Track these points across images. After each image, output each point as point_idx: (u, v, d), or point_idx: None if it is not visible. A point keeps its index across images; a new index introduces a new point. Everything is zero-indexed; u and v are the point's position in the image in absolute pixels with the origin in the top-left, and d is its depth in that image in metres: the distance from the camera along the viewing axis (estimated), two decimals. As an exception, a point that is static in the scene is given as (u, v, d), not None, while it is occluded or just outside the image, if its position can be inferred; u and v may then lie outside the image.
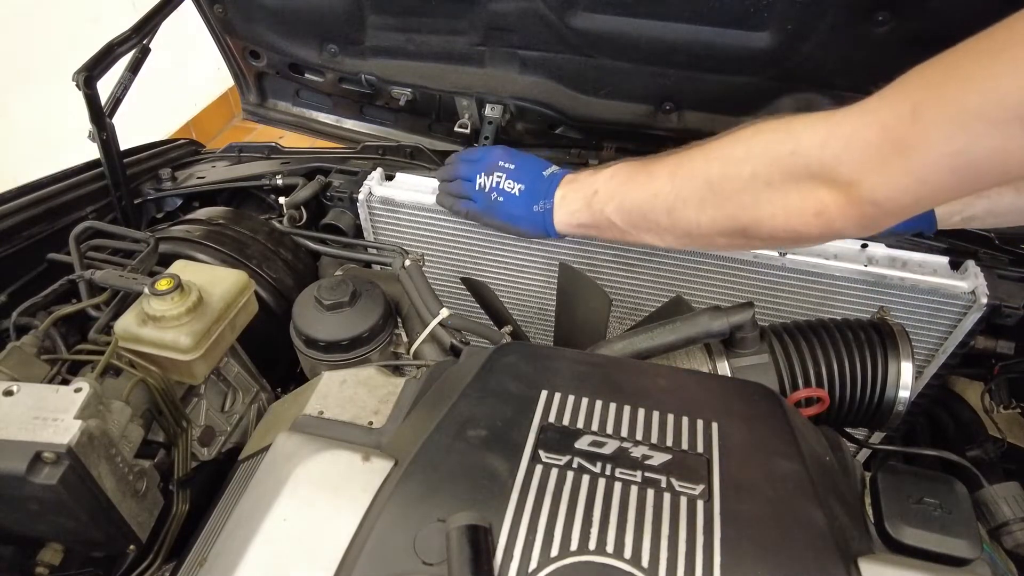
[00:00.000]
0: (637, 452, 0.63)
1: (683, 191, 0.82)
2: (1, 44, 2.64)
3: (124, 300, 0.97)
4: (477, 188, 1.06)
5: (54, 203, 1.21)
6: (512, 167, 1.04)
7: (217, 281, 0.94)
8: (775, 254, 1.12)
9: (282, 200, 1.30)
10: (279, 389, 1.16)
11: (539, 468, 0.61)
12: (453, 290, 1.37)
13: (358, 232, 1.33)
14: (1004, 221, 1.02)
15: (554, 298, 1.10)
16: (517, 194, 1.02)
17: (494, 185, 1.04)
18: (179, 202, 1.42)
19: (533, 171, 1.03)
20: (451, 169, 1.13)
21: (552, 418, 0.66)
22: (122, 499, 0.75)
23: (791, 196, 0.72)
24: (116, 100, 1.23)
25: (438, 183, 1.17)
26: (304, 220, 1.32)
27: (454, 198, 1.12)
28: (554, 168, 1.04)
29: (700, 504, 0.59)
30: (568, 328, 1.06)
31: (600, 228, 0.96)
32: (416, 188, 1.25)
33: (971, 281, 1.06)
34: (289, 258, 1.24)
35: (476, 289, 1.09)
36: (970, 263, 1.08)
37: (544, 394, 0.68)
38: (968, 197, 1.00)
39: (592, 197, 0.94)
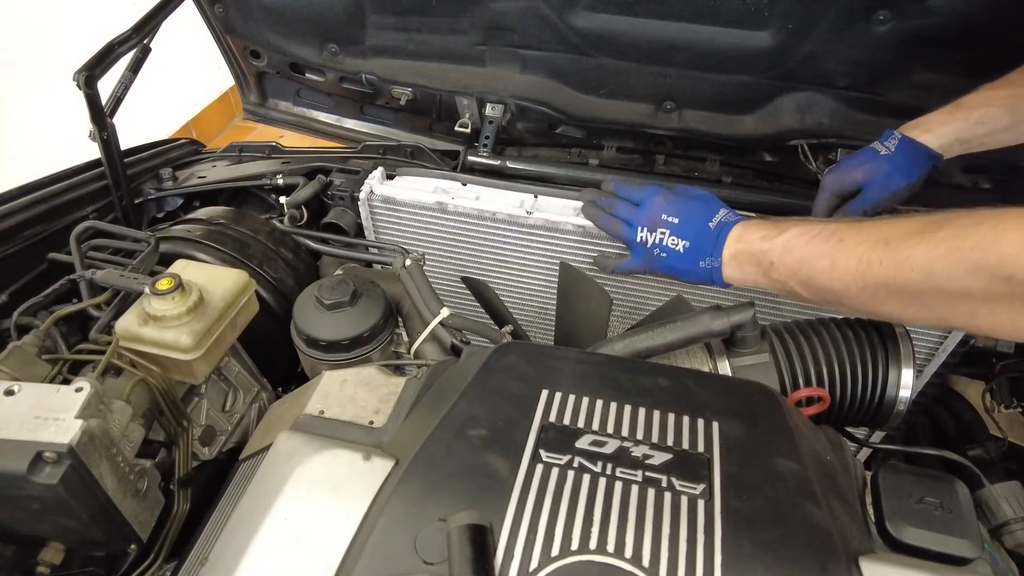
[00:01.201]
0: (638, 451, 0.63)
1: (880, 293, 0.76)
2: (1, 44, 2.64)
3: (125, 300, 0.97)
4: (638, 240, 0.99)
5: (55, 203, 1.21)
6: (676, 222, 0.97)
7: (218, 281, 0.94)
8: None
9: (283, 200, 1.30)
10: (280, 389, 1.16)
11: (540, 467, 0.61)
12: (454, 289, 1.37)
13: (359, 231, 1.33)
14: (1000, 141, 1.00)
15: (555, 297, 1.10)
16: (681, 251, 0.96)
17: (657, 241, 0.98)
18: (180, 202, 1.42)
19: (698, 224, 0.95)
20: (610, 204, 1.06)
21: (553, 417, 0.66)
22: (123, 498, 0.76)
23: (1000, 314, 0.66)
24: (117, 100, 1.23)
25: (586, 207, 1.09)
26: (305, 220, 1.32)
27: (609, 260, 1.07)
28: (720, 216, 0.95)
29: (701, 503, 0.59)
30: (569, 327, 1.06)
31: (782, 293, 0.90)
32: (417, 187, 1.25)
33: (972, 280, 1.06)
34: (290, 258, 1.24)
35: (477, 289, 1.09)
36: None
37: (545, 393, 0.68)
38: (967, 123, 0.99)
39: (769, 267, 0.87)
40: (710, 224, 0.94)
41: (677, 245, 0.96)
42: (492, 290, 1.07)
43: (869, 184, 1.01)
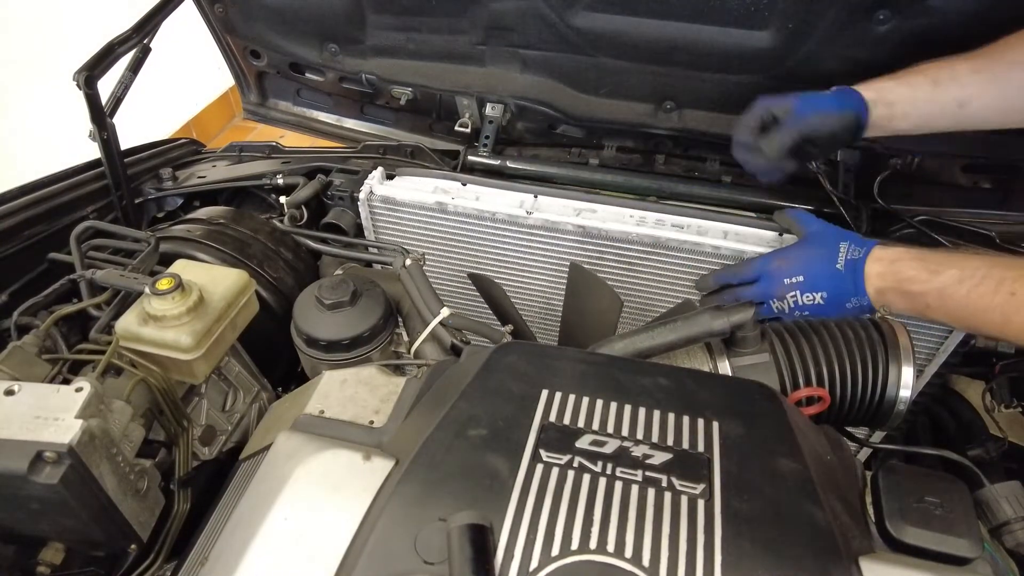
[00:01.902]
0: (638, 451, 0.63)
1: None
2: (1, 44, 2.64)
3: (125, 300, 0.97)
4: (776, 311, 0.97)
5: (55, 203, 1.21)
6: (802, 279, 0.93)
7: (218, 280, 0.94)
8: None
9: (283, 199, 1.30)
10: (280, 388, 1.16)
11: (540, 467, 0.61)
12: (454, 289, 1.37)
13: (359, 231, 1.33)
14: (925, 120, 1.01)
15: (557, 296, 1.10)
16: (822, 302, 0.92)
17: (793, 305, 0.94)
18: (180, 201, 1.42)
19: (826, 271, 0.92)
20: (733, 298, 1.00)
21: (553, 417, 0.66)
22: (123, 498, 0.76)
23: None
24: (117, 100, 1.23)
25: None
26: (305, 219, 1.32)
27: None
28: (843, 253, 0.92)
29: (701, 503, 0.59)
30: (576, 328, 1.06)
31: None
32: (417, 187, 1.25)
33: (972, 280, 1.06)
34: (290, 257, 1.24)
35: (483, 285, 1.09)
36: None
37: (545, 393, 0.68)
38: (892, 81, 1.01)
39: (924, 309, 0.86)
40: (838, 267, 0.91)
41: (815, 299, 0.93)
42: (499, 287, 1.06)
43: (797, 112, 1.01)
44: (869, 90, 0.99)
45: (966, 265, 0.82)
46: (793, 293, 0.94)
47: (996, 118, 0.99)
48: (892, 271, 0.88)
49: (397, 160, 1.43)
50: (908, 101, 0.99)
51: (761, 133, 1.04)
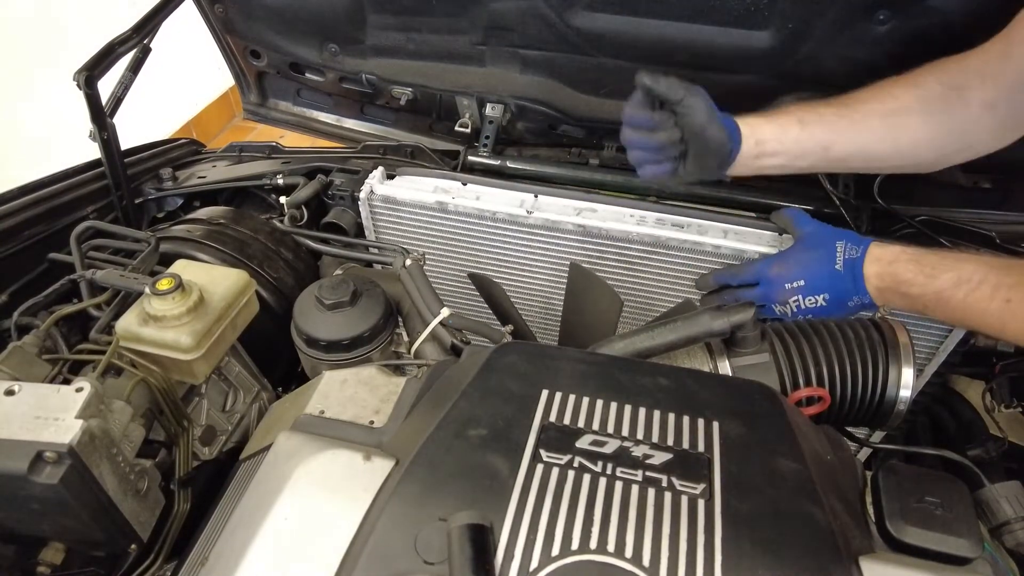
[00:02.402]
0: (638, 451, 0.63)
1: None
2: (2, 44, 2.64)
3: (125, 300, 0.97)
4: (779, 314, 0.97)
5: (55, 203, 1.21)
6: (803, 283, 0.94)
7: (218, 281, 0.94)
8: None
9: (283, 199, 1.30)
10: (280, 388, 1.16)
11: (540, 467, 0.61)
12: (454, 289, 1.37)
13: (359, 231, 1.33)
14: (792, 160, 1.01)
15: (558, 296, 1.10)
16: (825, 303, 0.93)
17: (796, 309, 0.95)
18: (180, 202, 1.42)
19: (825, 273, 0.93)
20: (733, 299, 1.01)
21: (553, 417, 0.66)
22: (123, 498, 0.76)
23: None
24: (117, 100, 1.23)
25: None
26: (305, 219, 1.32)
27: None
28: (841, 252, 0.93)
29: (701, 503, 0.59)
30: (576, 328, 1.06)
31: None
32: (417, 187, 1.25)
33: (972, 280, 1.06)
34: (290, 258, 1.24)
35: (483, 285, 1.09)
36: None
37: (545, 393, 0.68)
38: (764, 117, 1.00)
39: (923, 309, 0.87)
40: (837, 267, 0.92)
41: (817, 301, 0.94)
42: (499, 287, 1.06)
43: (683, 121, 0.97)
44: (743, 125, 0.99)
45: (963, 268, 0.83)
46: (795, 297, 0.95)
47: (858, 164, 1.02)
48: (890, 272, 0.89)
49: (397, 160, 1.43)
50: (777, 140, 0.99)
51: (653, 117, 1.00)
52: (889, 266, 0.89)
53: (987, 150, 0.97)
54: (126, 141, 1.32)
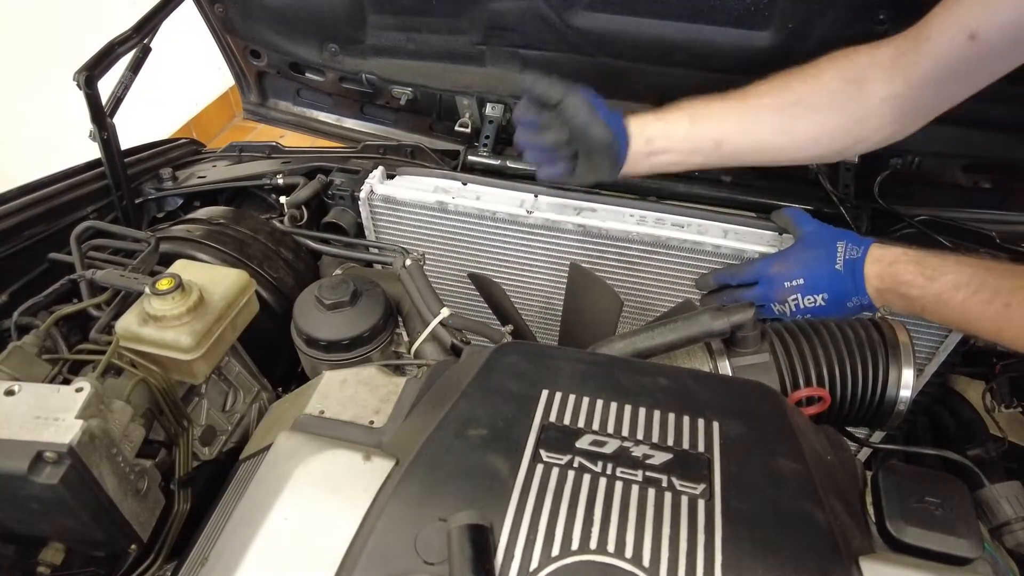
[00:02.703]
0: (638, 451, 0.63)
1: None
2: (2, 44, 2.64)
3: (125, 300, 0.97)
4: (778, 313, 0.97)
5: (55, 203, 1.21)
6: (802, 282, 0.94)
7: (218, 281, 0.94)
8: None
9: (283, 199, 1.30)
10: (280, 388, 1.16)
11: (540, 467, 0.61)
12: (454, 289, 1.37)
13: (359, 230, 1.33)
14: (685, 156, 1.02)
15: (558, 296, 1.10)
16: (824, 303, 0.93)
17: (795, 308, 0.95)
18: (180, 202, 1.42)
19: (825, 272, 0.92)
20: (732, 299, 1.01)
21: (553, 417, 0.66)
22: (123, 498, 0.76)
23: None
24: (117, 100, 1.23)
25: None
26: (305, 219, 1.32)
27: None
28: (841, 252, 0.92)
29: (701, 503, 0.59)
30: (576, 328, 1.06)
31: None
32: (417, 186, 1.25)
33: (972, 280, 1.06)
34: (290, 258, 1.24)
35: (483, 285, 1.09)
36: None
37: (545, 393, 0.68)
38: (654, 116, 1.01)
39: (921, 311, 0.87)
40: (837, 267, 0.92)
41: (816, 301, 0.93)
42: (499, 287, 1.06)
43: (567, 119, 0.99)
44: (632, 123, 1.00)
45: (963, 272, 0.83)
46: (794, 296, 0.94)
47: (751, 157, 1.03)
48: (890, 273, 0.89)
49: (397, 160, 1.43)
50: (665, 137, 1.00)
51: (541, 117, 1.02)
52: (889, 267, 0.89)
53: (885, 142, 0.98)
54: (126, 141, 1.32)
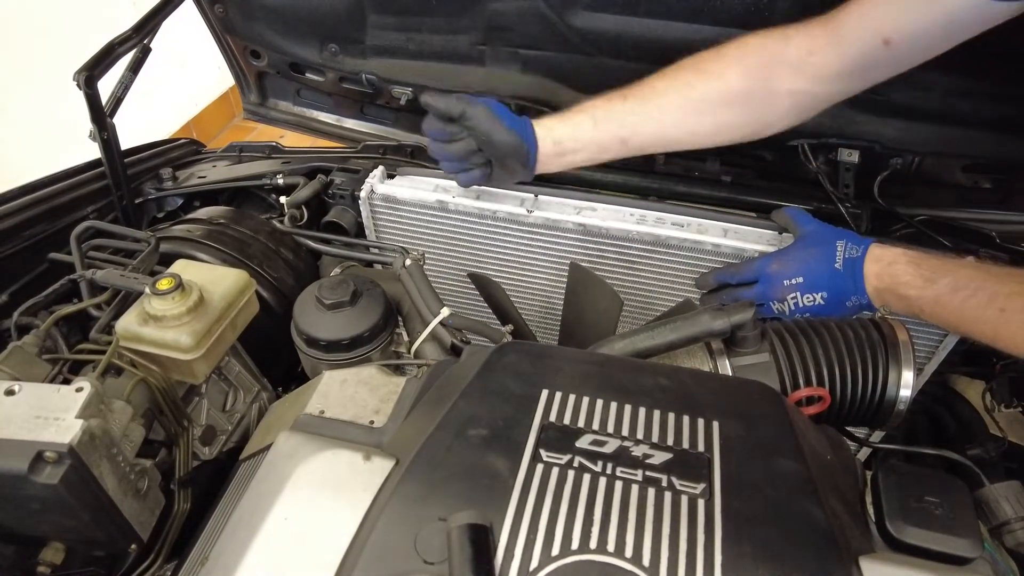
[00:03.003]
0: (638, 451, 0.63)
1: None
2: (2, 44, 2.64)
3: (125, 300, 0.97)
4: (776, 312, 0.98)
5: (55, 203, 1.21)
6: (801, 280, 0.94)
7: (218, 280, 0.94)
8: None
9: (283, 199, 1.30)
10: (280, 388, 1.16)
11: (540, 467, 0.61)
12: (454, 289, 1.37)
13: (360, 230, 1.33)
14: (595, 154, 1.07)
15: (558, 295, 1.10)
16: (823, 302, 0.93)
17: (794, 307, 0.95)
18: (180, 202, 1.42)
19: (825, 271, 0.92)
20: (731, 298, 1.02)
21: (553, 417, 0.66)
22: (123, 498, 0.76)
23: None
24: (117, 100, 1.23)
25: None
26: (305, 219, 1.32)
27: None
28: (841, 251, 0.93)
29: (701, 503, 0.59)
30: (576, 328, 1.06)
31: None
32: (418, 186, 1.25)
33: (972, 280, 1.06)
34: (290, 257, 1.24)
35: (483, 285, 1.09)
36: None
37: (545, 393, 0.68)
38: (561, 118, 1.06)
39: (919, 312, 0.88)
40: (836, 266, 0.92)
41: (815, 299, 0.93)
42: (499, 286, 1.06)
43: (472, 129, 1.04)
44: (539, 127, 1.06)
45: (961, 274, 0.84)
46: (793, 294, 0.95)
47: (659, 150, 1.10)
48: (889, 273, 0.89)
49: (397, 160, 1.43)
50: (572, 138, 1.06)
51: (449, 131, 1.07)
52: (889, 267, 0.89)
53: (786, 128, 1.02)
54: (126, 141, 1.32)
